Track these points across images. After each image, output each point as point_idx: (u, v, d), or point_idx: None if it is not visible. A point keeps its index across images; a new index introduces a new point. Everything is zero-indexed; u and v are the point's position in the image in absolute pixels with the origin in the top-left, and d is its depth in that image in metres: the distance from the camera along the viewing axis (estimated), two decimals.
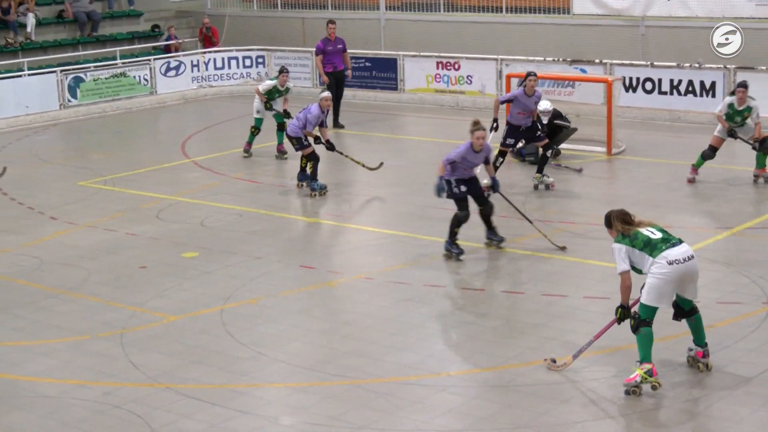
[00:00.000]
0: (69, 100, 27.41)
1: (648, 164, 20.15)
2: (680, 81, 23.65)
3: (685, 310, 10.80)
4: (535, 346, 11.64)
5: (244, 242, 15.86)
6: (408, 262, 14.80)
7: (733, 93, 18.28)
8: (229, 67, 30.38)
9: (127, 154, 23.01)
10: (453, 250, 14.80)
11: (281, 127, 21.08)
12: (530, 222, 15.58)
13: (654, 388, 10.31)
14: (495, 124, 18.06)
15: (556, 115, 20.41)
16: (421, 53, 27.74)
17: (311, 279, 14.30)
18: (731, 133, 18.17)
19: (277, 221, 17.20)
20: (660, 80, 23.94)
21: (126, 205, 18.36)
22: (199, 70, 29.98)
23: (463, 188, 14.76)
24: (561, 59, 25.05)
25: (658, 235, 10.42)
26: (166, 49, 31.62)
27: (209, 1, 34.42)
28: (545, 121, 19.81)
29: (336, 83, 24.57)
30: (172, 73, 29.47)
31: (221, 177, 20.17)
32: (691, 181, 18.44)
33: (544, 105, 19.93)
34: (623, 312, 10.58)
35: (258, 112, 21.53)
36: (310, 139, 18.68)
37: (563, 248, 14.92)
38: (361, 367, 11.15)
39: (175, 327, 12.62)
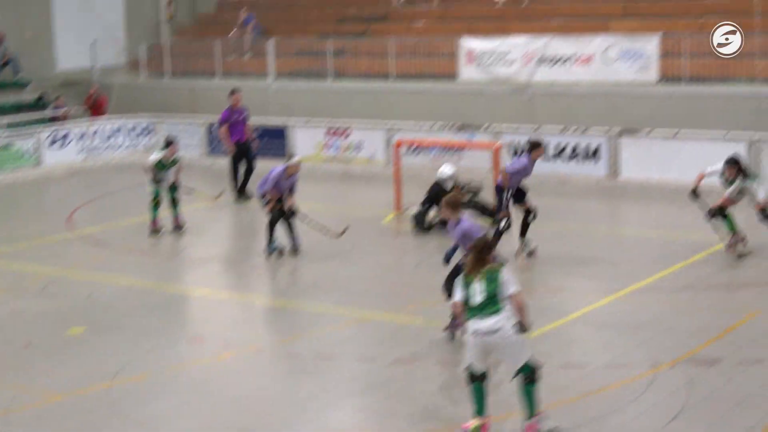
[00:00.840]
0: None
1: (536, 228, 20.30)
2: (565, 145, 24.01)
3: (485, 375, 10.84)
4: (428, 416, 11.61)
5: (133, 316, 15.63)
6: (299, 334, 14.73)
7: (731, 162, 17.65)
8: (117, 137, 30.14)
9: (11, 227, 22.59)
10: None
11: (174, 201, 20.79)
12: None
13: None
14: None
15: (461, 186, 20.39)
16: (311, 121, 27.80)
17: (202, 353, 14.13)
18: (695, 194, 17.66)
19: (167, 295, 17.01)
20: (546, 145, 24.23)
21: (9, 281, 17.98)
22: (86, 141, 29.66)
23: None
24: (449, 125, 25.30)
25: (479, 299, 10.50)
26: (53, 120, 31.23)
27: (97, 71, 34.18)
28: (450, 186, 19.73)
29: (243, 153, 24.14)
30: (59, 144, 29.11)
31: (109, 250, 19.90)
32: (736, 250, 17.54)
33: (448, 170, 20.06)
34: None
35: (151, 182, 20.86)
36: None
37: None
38: None
39: (62, 407, 12.34)
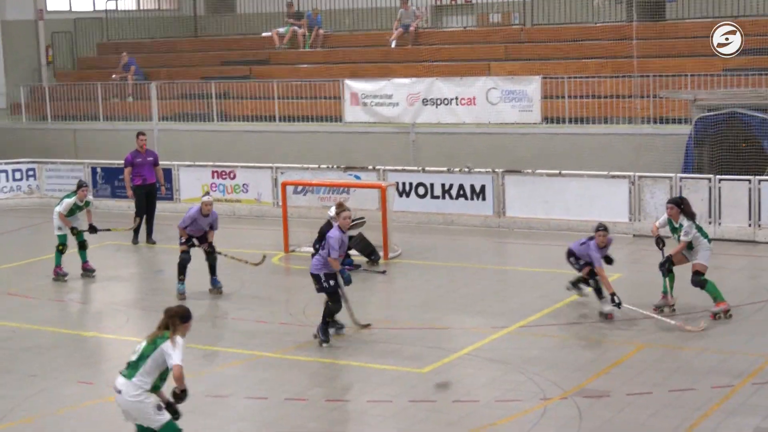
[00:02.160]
0: None
1: (424, 267, 20.54)
2: (451, 185, 24.27)
3: None
4: None
5: (19, 360, 15.37)
6: (191, 373, 14.59)
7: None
8: None
9: None
10: (321, 337, 15.39)
11: (82, 246, 20.43)
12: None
13: None
14: (617, 299, 16.07)
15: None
16: (196, 163, 27.68)
17: (90, 395, 13.93)
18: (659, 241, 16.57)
19: (53, 336, 16.75)
20: (432, 185, 24.52)
21: None
22: None
23: (332, 282, 15.47)
24: (335, 166, 25.42)
25: (133, 357, 10.50)
26: None
27: None
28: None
29: (146, 197, 23.85)
30: None
31: None
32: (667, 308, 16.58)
33: (332, 211, 20.18)
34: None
35: (59, 228, 20.40)
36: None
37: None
38: None
39: None
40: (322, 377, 14.33)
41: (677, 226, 16.24)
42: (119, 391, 10.33)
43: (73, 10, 37.88)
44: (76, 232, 20.31)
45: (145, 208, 23.79)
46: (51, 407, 13.38)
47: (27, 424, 12.80)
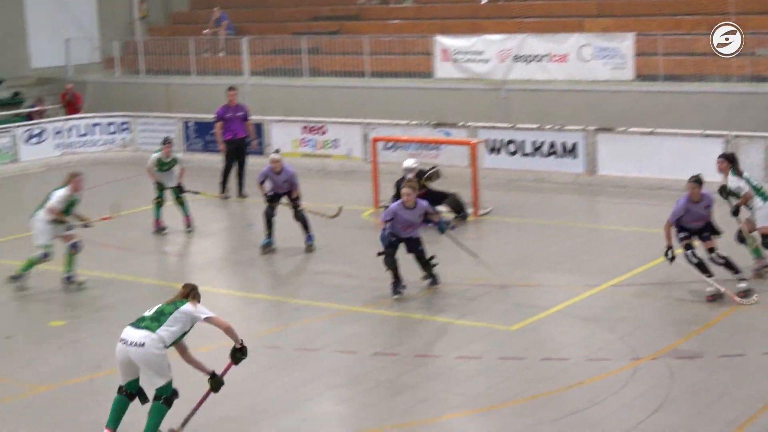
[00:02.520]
0: None
1: (515, 224, 20.47)
2: (542, 142, 24.12)
3: (133, 393, 10.82)
4: (409, 407, 11.67)
5: (114, 309, 15.63)
6: (278, 326, 14.76)
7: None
8: (93, 133, 30.06)
9: None
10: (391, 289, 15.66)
11: (180, 202, 20.65)
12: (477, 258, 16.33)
13: None
14: (670, 253, 15.22)
15: (420, 174, 20.46)
16: (287, 118, 27.81)
17: None
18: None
19: (147, 287, 16.99)
20: (523, 142, 24.38)
21: None
22: (62, 137, 29.60)
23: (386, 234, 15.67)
24: (425, 123, 25.36)
25: (148, 313, 10.69)
26: (29, 117, 31.09)
27: (71, 68, 34.08)
28: (409, 176, 19.76)
29: (236, 151, 24.01)
30: (35, 140, 29.03)
31: (89, 244, 19.82)
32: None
33: (408, 162, 20.34)
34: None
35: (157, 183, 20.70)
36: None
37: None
38: None
39: (44, 398, 12.34)
40: (410, 332, 14.36)
41: (727, 186, 15.82)
42: (142, 344, 10.42)
43: None
44: (162, 189, 20.53)
45: (235, 163, 23.96)
46: None
47: None
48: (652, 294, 15.63)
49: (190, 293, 10.84)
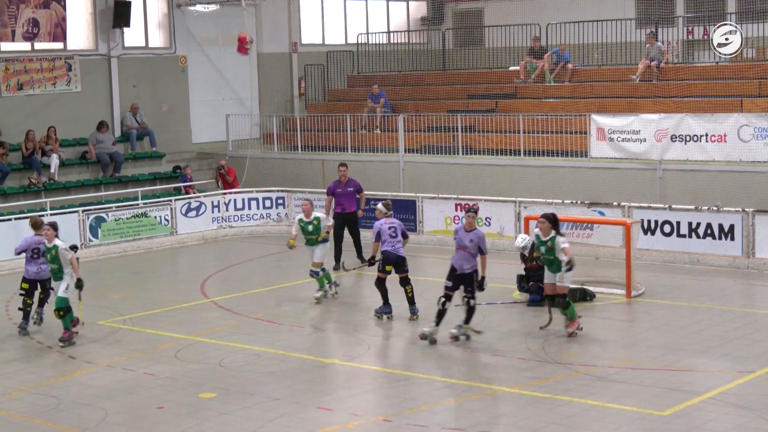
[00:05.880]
0: (90, 240, 27.62)
1: (668, 306, 20.08)
2: (698, 224, 23.68)
3: None
4: None
5: (262, 383, 15.78)
6: (426, 405, 14.69)
7: None
8: (249, 207, 30.64)
9: (147, 293, 23.06)
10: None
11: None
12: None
13: None
14: None
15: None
16: (440, 195, 27.92)
17: (329, 421, 14.18)
18: None
19: (295, 362, 17.12)
20: (678, 223, 23.97)
21: (144, 344, 18.34)
22: (219, 211, 30.24)
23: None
24: (579, 202, 25.17)
25: None
26: (184, 190, 31.86)
27: (230, 143, 34.88)
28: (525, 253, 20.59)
29: (345, 224, 24.86)
30: (193, 213, 29.73)
31: (240, 317, 20.16)
32: None
33: (519, 242, 20.91)
34: None
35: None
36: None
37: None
38: None
39: None
40: (559, 415, 14.13)
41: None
42: None
43: (325, 43, 38.91)
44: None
45: (343, 235, 24.74)
46: None
47: None
48: None
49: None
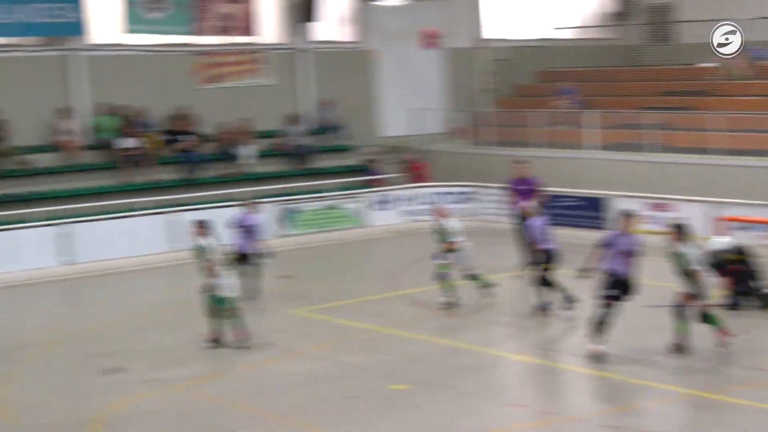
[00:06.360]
0: (284, 230, 28.11)
1: None
2: None
3: None
4: None
5: (454, 377, 15.75)
6: (622, 406, 14.46)
7: None
8: (437, 202, 30.66)
9: (339, 284, 23.31)
10: None
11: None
12: None
13: None
14: None
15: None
16: (630, 193, 27.43)
17: (519, 417, 14.08)
18: None
19: (487, 357, 17.07)
20: None
21: (335, 335, 18.54)
22: (408, 205, 30.40)
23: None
24: None
25: None
26: (371, 183, 32.10)
27: (419, 138, 34.90)
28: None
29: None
30: (384, 206, 29.97)
31: (431, 310, 20.15)
32: None
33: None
34: None
35: None
36: None
37: None
38: None
39: None
40: (760, 423, 13.68)
41: None
42: None
43: (512, 38, 38.68)
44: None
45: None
46: (478, 428, 13.62)
47: None
48: None
49: None
